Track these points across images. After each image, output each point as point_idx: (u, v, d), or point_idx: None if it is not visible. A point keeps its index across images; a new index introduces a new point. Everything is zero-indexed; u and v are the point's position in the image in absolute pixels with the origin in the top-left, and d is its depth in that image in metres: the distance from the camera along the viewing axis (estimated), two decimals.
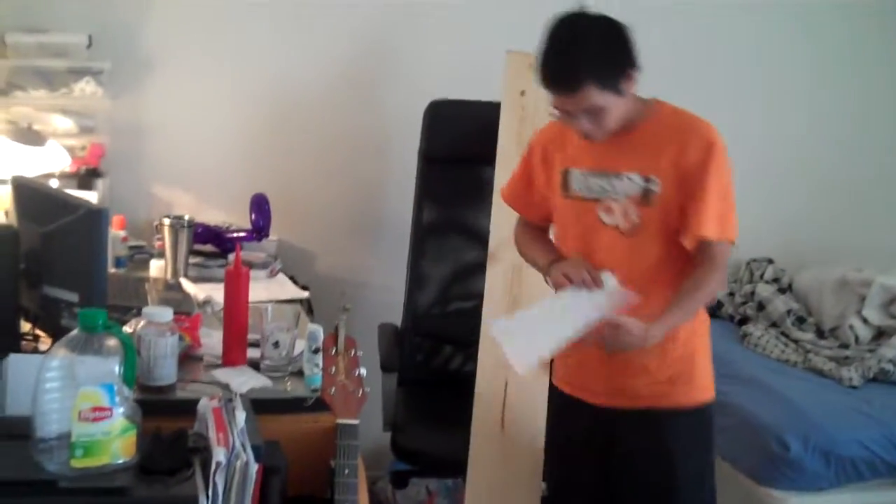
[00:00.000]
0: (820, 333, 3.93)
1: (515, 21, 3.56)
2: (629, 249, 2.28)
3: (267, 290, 3.05)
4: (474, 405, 2.96)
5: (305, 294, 3.12)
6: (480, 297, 3.07)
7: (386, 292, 3.66)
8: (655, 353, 2.30)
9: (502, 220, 3.07)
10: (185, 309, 2.69)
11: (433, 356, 3.48)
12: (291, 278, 3.32)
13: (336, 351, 2.08)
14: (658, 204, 2.25)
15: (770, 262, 4.16)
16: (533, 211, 2.52)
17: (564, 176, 2.36)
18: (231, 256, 2.75)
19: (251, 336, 2.42)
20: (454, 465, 3.00)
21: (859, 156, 4.24)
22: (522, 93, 3.18)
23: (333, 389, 2.03)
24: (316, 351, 2.27)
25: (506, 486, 2.94)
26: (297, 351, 2.40)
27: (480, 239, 3.27)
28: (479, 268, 3.18)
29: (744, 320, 4.00)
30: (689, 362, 2.39)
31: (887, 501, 3.32)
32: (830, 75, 4.16)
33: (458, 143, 3.42)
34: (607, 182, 2.29)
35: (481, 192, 3.30)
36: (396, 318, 3.46)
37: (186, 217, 3.22)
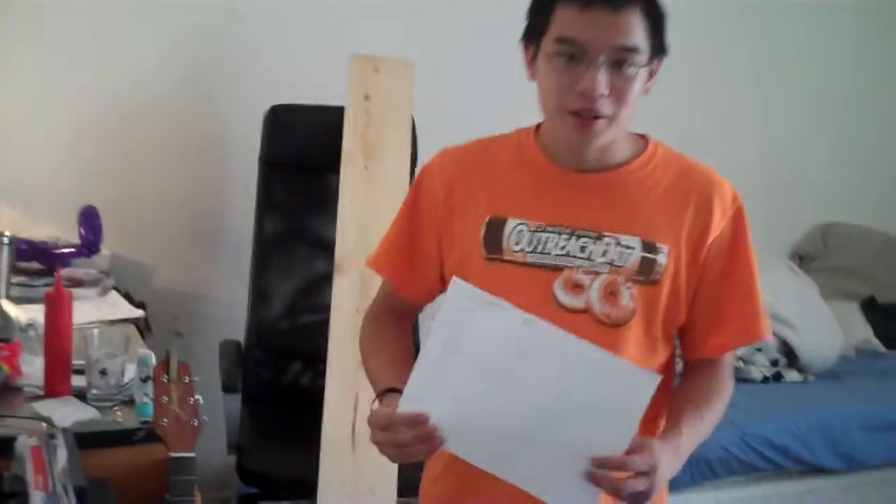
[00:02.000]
0: None
1: (358, 25, 3.48)
2: (611, 349, 1.51)
3: (98, 309, 2.85)
4: (323, 423, 2.85)
5: (140, 313, 2.94)
6: (329, 309, 2.94)
7: (229, 306, 3.49)
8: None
9: (348, 230, 2.97)
10: (3, 335, 2.49)
11: (281, 373, 3.33)
12: (126, 295, 3.13)
13: (168, 378, 1.92)
14: (665, 283, 1.62)
15: None
16: (409, 283, 1.76)
17: (492, 227, 1.64)
18: None
19: (77, 362, 2.24)
20: (304, 486, 2.87)
21: None
22: (367, 97, 3.09)
23: (166, 420, 1.88)
24: (146, 379, 2.11)
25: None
26: (127, 378, 2.24)
27: (327, 249, 3.14)
28: (327, 279, 3.06)
29: None
30: None
31: (741, 497, 3.36)
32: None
33: (300, 149, 3.27)
34: (576, 244, 1.61)
35: (326, 201, 3.17)
36: (241, 333, 3.30)
37: (7, 234, 2.99)
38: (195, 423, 1.91)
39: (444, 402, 1.47)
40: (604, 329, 1.58)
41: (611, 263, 1.59)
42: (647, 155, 1.67)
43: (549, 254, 1.60)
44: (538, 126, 1.70)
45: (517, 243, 1.62)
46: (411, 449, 1.48)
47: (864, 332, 4.16)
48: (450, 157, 1.75)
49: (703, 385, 1.68)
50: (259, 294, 3.28)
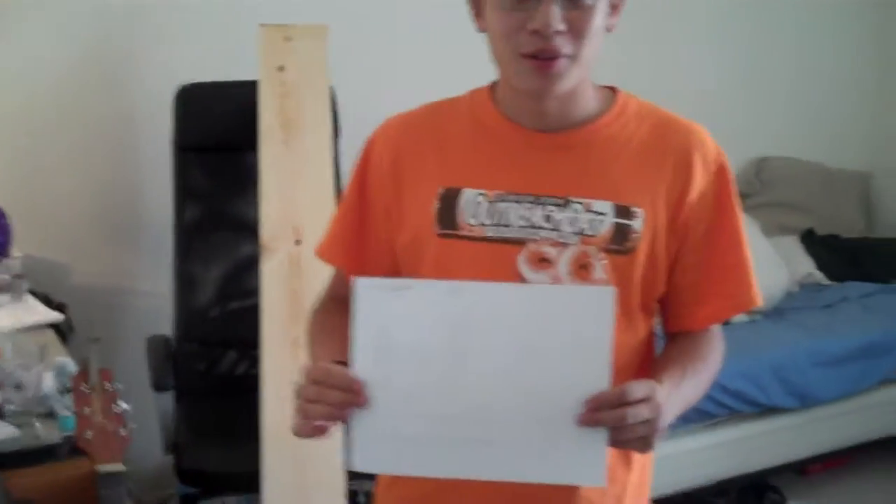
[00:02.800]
0: None
1: None
2: None
3: (12, 316, 2.70)
4: (261, 412, 2.72)
5: (58, 316, 2.78)
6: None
7: (155, 299, 3.33)
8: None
9: (272, 209, 2.83)
10: None
11: (216, 363, 3.19)
12: (44, 297, 2.97)
13: (89, 387, 1.80)
14: (641, 251, 1.46)
15: None
16: (363, 269, 1.51)
17: (445, 200, 1.48)
18: None
19: None
20: (246, 481, 2.75)
21: None
22: (281, 68, 2.94)
23: (90, 432, 1.76)
24: (65, 390, 1.97)
25: (305, 495, 2.71)
26: (45, 389, 2.09)
27: (252, 231, 2.99)
28: (255, 262, 2.91)
29: None
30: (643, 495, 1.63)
31: (698, 446, 3.32)
32: None
33: (214, 129, 3.12)
34: (541, 213, 1.45)
35: (246, 181, 3.03)
36: (169, 327, 3.15)
37: None
38: (122, 433, 1.80)
39: (395, 419, 1.34)
40: None
41: (580, 233, 1.43)
42: (616, 108, 1.50)
43: (510, 226, 1.44)
44: (493, 85, 1.53)
45: (474, 216, 1.45)
46: (335, 413, 1.34)
47: (806, 266, 4.12)
48: (395, 126, 1.58)
49: (688, 349, 1.52)
50: (184, 284, 3.13)
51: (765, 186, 4.49)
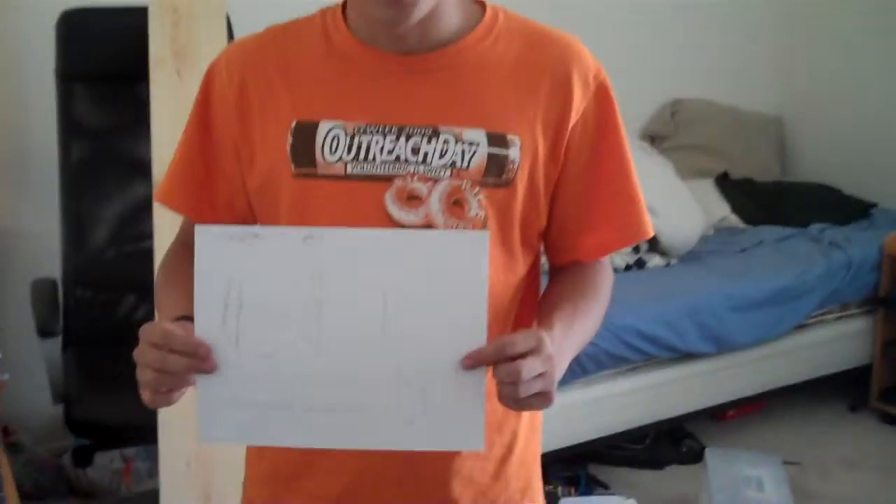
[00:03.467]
0: None
1: None
2: None
3: None
4: None
5: None
6: None
7: (44, 240, 3.11)
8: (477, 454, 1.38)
9: (164, 145, 2.63)
10: None
11: (111, 309, 3.01)
12: None
13: None
14: (520, 183, 1.33)
15: None
16: (211, 214, 1.39)
17: (300, 135, 1.33)
18: None
19: None
20: (143, 433, 2.59)
21: None
22: None
23: None
24: None
25: (205, 445, 2.56)
26: None
27: (147, 170, 2.80)
28: (151, 202, 2.73)
29: None
30: (532, 474, 1.49)
31: (614, 392, 3.24)
32: None
33: (101, 57, 2.92)
34: (407, 145, 1.31)
35: (139, 114, 2.82)
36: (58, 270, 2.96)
37: None
38: None
39: (247, 384, 1.19)
40: None
41: (452, 165, 1.30)
42: (485, 24, 1.35)
43: (374, 161, 1.30)
44: (345, 3, 1.37)
45: (333, 151, 1.30)
46: (180, 380, 1.18)
47: (721, 210, 4.06)
48: (238, 52, 1.40)
49: (577, 284, 1.40)
50: (74, 226, 2.95)
51: (679, 129, 4.42)
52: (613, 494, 3.21)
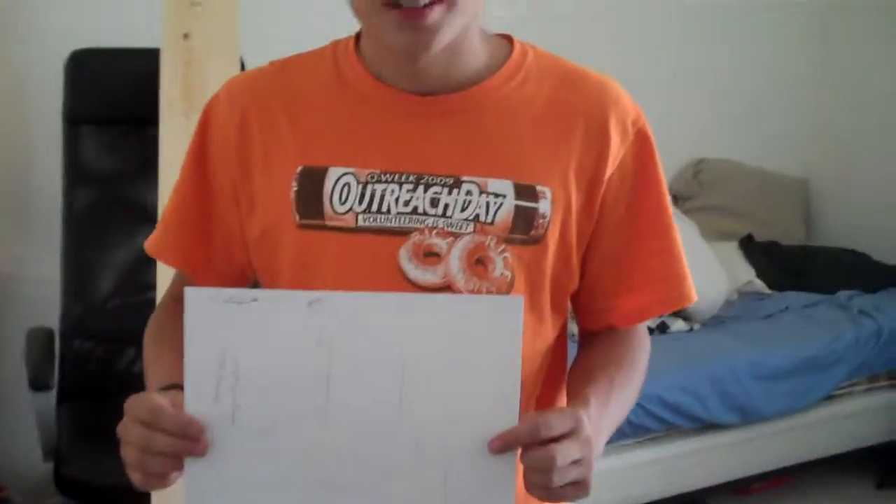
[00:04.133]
0: None
1: None
2: None
3: None
4: None
5: None
6: None
7: (44, 288, 3.00)
8: None
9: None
10: None
11: (111, 361, 2.88)
12: None
13: None
14: (550, 239, 1.20)
15: None
16: (207, 267, 1.29)
17: (306, 181, 1.20)
18: None
19: None
20: (138, 494, 2.45)
21: None
22: (186, 36, 2.64)
23: None
24: None
25: None
26: None
27: (153, 217, 2.70)
28: None
29: None
30: None
31: (634, 462, 3.11)
32: None
33: (111, 100, 2.81)
34: (426, 196, 1.18)
35: (147, 159, 2.72)
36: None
37: None
38: None
39: (243, 466, 1.06)
40: None
41: (475, 219, 1.17)
42: (513, 62, 1.23)
43: (388, 213, 1.17)
44: (359, 35, 1.25)
45: (343, 201, 1.17)
46: (163, 463, 1.05)
47: (746, 274, 3.92)
48: (242, 84, 1.29)
49: (612, 354, 1.27)
50: (75, 274, 2.83)
51: (703, 189, 4.29)
52: None
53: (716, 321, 3.52)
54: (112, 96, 2.82)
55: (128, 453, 1.05)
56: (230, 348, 1.04)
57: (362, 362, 1.05)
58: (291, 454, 1.06)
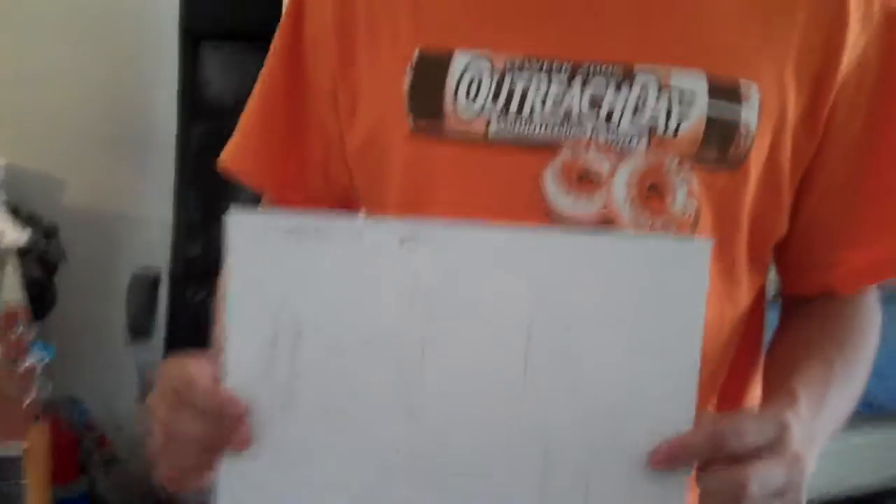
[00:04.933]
0: None
1: None
2: None
3: None
4: None
5: (20, 238, 2.37)
6: None
7: (161, 228, 2.82)
8: None
9: None
10: None
11: None
12: (29, 216, 2.55)
13: None
14: (754, 163, 0.89)
15: None
16: (298, 184, 1.03)
17: (424, 70, 0.91)
18: None
19: None
20: None
21: None
22: None
23: None
24: None
25: None
26: None
27: None
28: None
29: None
30: None
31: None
32: None
33: (237, 9, 2.52)
34: (582, 94, 0.87)
35: None
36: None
37: None
38: (27, 402, 1.28)
39: (302, 466, 0.76)
40: None
41: (650, 130, 0.86)
42: None
43: (531, 116, 0.86)
44: None
45: (472, 98, 0.87)
46: (194, 455, 0.76)
47: None
48: None
49: (831, 327, 0.94)
50: (188, 215, 2.62)
51: None
52: None
53: None
54: (238, 5, 2.55)
55: (154, 437, 0.77)
56: (289, 297, 0.75)
57: (474, 328, 0.75)
58: (367, 453, 0.75)
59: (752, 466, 0.72)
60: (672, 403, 0.74)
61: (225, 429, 0.73)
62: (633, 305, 0.75)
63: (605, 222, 0.86)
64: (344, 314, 0.75)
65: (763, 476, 0.72)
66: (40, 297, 2.63)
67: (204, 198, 2.61)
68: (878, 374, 2.66)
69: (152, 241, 2.77)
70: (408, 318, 0.75)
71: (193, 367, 0.75)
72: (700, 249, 0.77)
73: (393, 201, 0.92)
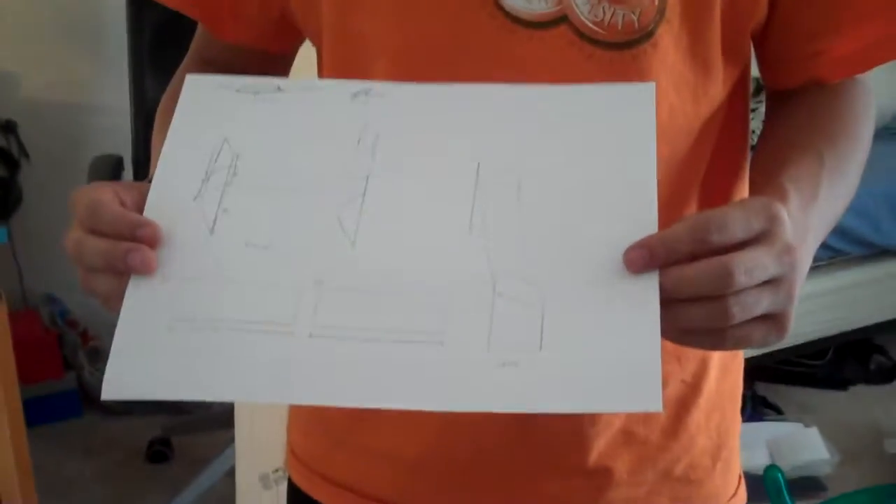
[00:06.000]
0: None
1: None
2: None
3: None
4: None
5: None
6: None
7: (119, 116, 2.76)
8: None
9: None
10: None
11: None
12: None
13: None
14: None
15: None
16: (236, 15, 0.93)
17: None
18: None
19: None
20: None
21: None
22: None
23: None
24: None
25: None
26: None
27: None
28: None
29: None
30: (728, 426, 0.98)
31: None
32: None
33: None
34: None
35: None
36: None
37: None
38: None
39: (220, 292, 0.71)
40: (598, 54, 0.77)
41: None
42: None
43: None
44: None
45: None
46: (105, 281, 0.71)
47: None
48: None
49: (820, 119, 0.85)
50: (143, 100, 2.52)
51: None
52: (787, 419, 2.83)
53: (887, 132, 3.06)
54: None
55: (76, 258, 0.72)
56: (233, 139, 0.75)
57: (420, 165, 0.74)
58: (296, 284, 0.70)
59: (739, 254, 0.64)
60: (631, 210, 0.69)
61: (126, 251, 0.69)
62: (581, 151, 0.72)
63: (560, 19, 0.77)
64: (288, 157, 0.74)
65: (751, 263, 0.64)
66: (4, 197, 2.60)
67: (160, 83, 2.53)
68: (865, 214, 2.62)
69: (113, 129, 2.71)
70: (353, 157, 0.74)
71: (100, 192, 0.71)
72: (643, 91, 0.73)
73: (326, 17, 0.84)
